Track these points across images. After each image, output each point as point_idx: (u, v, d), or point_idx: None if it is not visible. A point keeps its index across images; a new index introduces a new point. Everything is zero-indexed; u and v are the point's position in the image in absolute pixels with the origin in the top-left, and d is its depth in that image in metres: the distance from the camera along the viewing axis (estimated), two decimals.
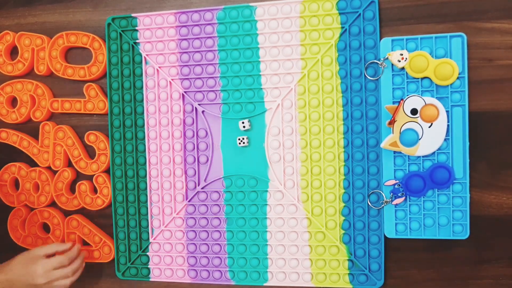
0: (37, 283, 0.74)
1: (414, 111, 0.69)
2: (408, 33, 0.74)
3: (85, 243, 0.87)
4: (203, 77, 0.81)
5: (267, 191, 0.80)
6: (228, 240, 0.82)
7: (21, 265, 0.75)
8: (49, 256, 0.78)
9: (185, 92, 0.82)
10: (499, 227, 0.73)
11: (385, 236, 0.75)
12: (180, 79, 0.82)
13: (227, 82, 0.80)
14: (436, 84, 0.71)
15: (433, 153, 0.71)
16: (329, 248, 0.78)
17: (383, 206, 0.74)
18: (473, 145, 0.71)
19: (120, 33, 0.83)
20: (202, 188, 0.82)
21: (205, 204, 0.82)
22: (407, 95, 0.70)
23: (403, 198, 0.73)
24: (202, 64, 0.81)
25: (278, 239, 0.80)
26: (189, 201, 0.83)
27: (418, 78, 0.71)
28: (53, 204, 0.89)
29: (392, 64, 0.72)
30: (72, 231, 0.86)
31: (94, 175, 0.85)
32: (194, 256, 0.83)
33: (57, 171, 0.87)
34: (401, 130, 0.70)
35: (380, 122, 0.74)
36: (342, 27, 0.75)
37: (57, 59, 0.85)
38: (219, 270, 0.82)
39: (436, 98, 0.70)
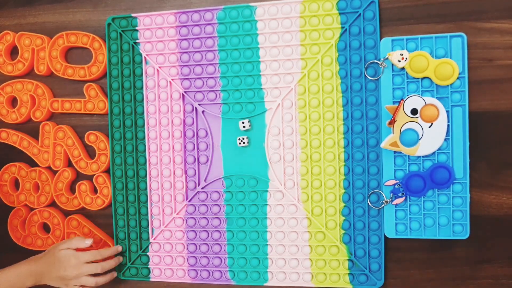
0: (68, 275, 0.75)
1: (414, 111, 0.69)
2: (408, 33, 0.74)
3: None
4: (203, 77, 0.81)
5: (267, 191, 0.80)
6: (228, 240, 0.82)
7: (54, 256, 0.76)
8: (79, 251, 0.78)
9: (185, 92, 0.82)
10: (499, 227, 0.73)
11: (385, 236, 0.75)
12: (180, 79, 0.82)
13: (227, 82, 0.80)
14: (436, 84, 0.71)
15: (433, 153, 0.71)
16: (329, 248, 0.78)
17: (383, 206, 0.74)
18: (473, 145, 0.71)
19: (120, 33, 0.83)
20: (202, 188, 0.82)
21: (205, 204, 0.82)
22: (407, 95, 0.70)
23: (403, 198, 0.73)
24: (202, 64, 0.81)
25: (278, 239, 0.80)
26: (189, 201, 0.83)
27: (418, 78, 0.71)
28: (53, 204, 0.89)
29: (392, 64, 0.72)
30: (72, 231, 0.86)
31: (94, 175, 0.85)
32: (194, 256, 0.83)
33: (57, 171, 0.87)
34: (401, 130, 0.70)
35: (380, 122, 0.74)
36: (342, 27, 0.75)
37: (57, 59, 0.85)
38: (219, 270, 0.82)
39: (436, 98, 0.70)
